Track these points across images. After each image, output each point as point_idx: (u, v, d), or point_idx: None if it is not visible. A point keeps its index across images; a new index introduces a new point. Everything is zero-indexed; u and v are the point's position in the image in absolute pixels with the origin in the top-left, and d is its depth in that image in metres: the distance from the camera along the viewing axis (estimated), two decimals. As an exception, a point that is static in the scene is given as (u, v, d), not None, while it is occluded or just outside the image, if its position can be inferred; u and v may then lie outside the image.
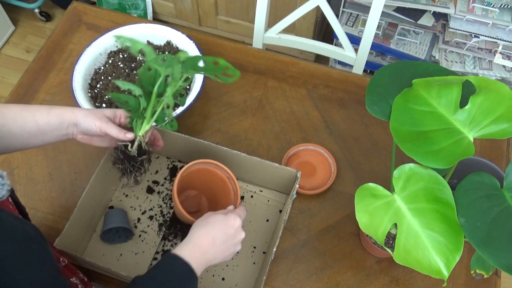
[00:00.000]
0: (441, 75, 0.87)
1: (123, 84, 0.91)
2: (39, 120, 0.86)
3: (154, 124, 0.96)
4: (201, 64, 0.86)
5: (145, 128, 0.90)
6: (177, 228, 1.06)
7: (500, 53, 1.75)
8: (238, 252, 1.04)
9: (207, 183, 1.01)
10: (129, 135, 0.88)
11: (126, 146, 0.90)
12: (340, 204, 1.10)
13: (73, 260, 0.94)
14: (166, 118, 0.96)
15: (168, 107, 0.92)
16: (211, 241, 0.83)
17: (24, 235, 0.64)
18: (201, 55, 0.86)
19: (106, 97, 1.18)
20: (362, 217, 0.81)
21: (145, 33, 1.28)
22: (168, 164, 1.14)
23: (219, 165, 0.97)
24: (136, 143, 0.90)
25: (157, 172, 1.13)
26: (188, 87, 1.22)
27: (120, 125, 0.92)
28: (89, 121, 0.88)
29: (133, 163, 0.91)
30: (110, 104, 1.17)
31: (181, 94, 0.99)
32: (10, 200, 0.78)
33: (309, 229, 1.07)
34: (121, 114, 0.92)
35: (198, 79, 1.18)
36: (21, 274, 0.61)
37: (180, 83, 0.91)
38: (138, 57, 1.25)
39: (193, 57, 0.86)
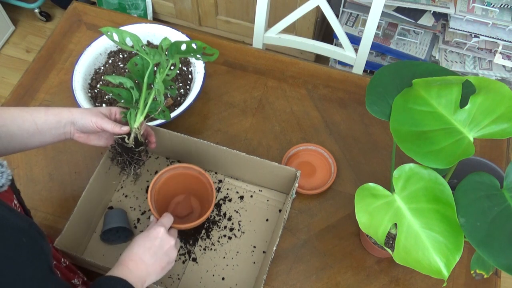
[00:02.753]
0: (441, 75, 0.87)
1: (113, 78, 0.96)
2: (37, 119, 0.88)
3: (147, 123, 1.01)
4: (183, 47, 0.96)
5: (139, 120, 0.94)
6: (177, 228, 1.06)
7: (500, 53, 1.75)
8: (238, 252, 1.04)
9: (187, 184, 1.03)
10: (125, 128, 0.92)
11: (123, 139, 0.93)
12: (340, 204, 1.10)
13: (73, 260, 0.94)
14: (158, 108, 1.00)
15: (159, 94, 0.96)
16: (137, 258, 0.82)
17: (14, 228, 0.63)
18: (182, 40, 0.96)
19: (106, 97, 1.18)
20: (362, 217, 0.81)
21: (145, 33, 1.28)
22: (168, 164, 1.14)
23: (186, 166, 0.99)
24: (132, 135, 0.93)
25: (156, 172, 1.13)
26: (188, 87, 1.22)
27: (116, 121, 0.95)
28: (86, 118, 0.90)
29: (131, 155, 0.94)
30: (110, 104, 1.17)
31: (171, 86, 1.03)
32: (14, 197, 0.78)
33: (309, 229, 1.07)
34: (116, 110, 0.96)
35: (198, 79, 1.18)
36: (7, 266, 0.59)
37: (167, 71, 0.97)
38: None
39: (175, 43, 0.96)
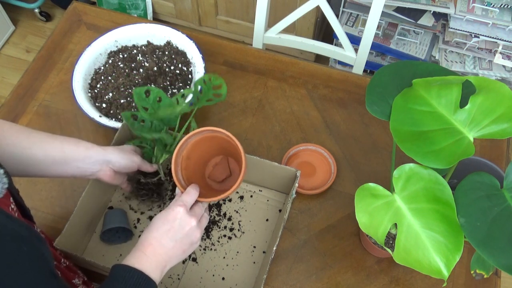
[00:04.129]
0: (441, 75, 0.87)
1: (148, 135, 1.00)
2: (66, 148, 0.87)
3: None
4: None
5: (164, 157, 1.03)
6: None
7: (500, 53, 1.75)
8: (238, 252, 1.04)
9: (220, 146, 0.94)
10: (155, 166, 1.00)
11: (144, 174, 1.03)
12: (340, 204, 1.10)
13: (73, 260, 0.94)
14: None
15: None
16: (155, 243, 0.78)
17: (14, 236, 0.62)
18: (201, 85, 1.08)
19: (106, 97, 1.18)
20: (362, 217, 0.81)
21: (145, 33, 1.28)
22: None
23: (213, 129, 0.88)
24: (161, 171, 1.03)
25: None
26: (188, 87, 1.22)
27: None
28: (126, 158, 0.93)
29: (151, 186, 1.05)
30: (110, 104, 1.17)
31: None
32: (12, 200, 0.77)
33: (309, 229, 1.07)
34: (138, 150, 1.01)
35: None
36: (7, 276, 0.59)
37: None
38: (138, 57, 1.25)
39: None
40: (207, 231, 1.06)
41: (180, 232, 0.80)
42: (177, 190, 0.86)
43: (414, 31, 1.91)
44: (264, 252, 1.05)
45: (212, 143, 0.92)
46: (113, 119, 1.14)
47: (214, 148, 0.95)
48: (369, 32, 1.40)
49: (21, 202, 0.81)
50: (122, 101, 1.17)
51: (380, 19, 1.38)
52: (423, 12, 1.81)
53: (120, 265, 0.75)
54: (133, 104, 1.17)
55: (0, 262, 0.59)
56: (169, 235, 0.79)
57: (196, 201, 0.84)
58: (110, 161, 0.91)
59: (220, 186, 0.97)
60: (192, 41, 1.24)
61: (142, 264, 0.76)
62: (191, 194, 0.83)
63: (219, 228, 1.07)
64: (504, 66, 1.82)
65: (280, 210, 1.09)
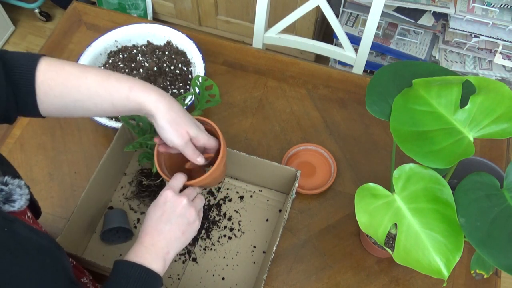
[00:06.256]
0: (441, 75, 0.87)
1: (152, 142, 0.96)
2: (116, 102, 0.76)
3: None
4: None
5: None
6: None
7: (500, 53, 1.75)
8: (238, 252, 1.04)
9: None
10: (200, 160, 0.82)
11: (147, 176, 1.04)
12: (340, 204, 1.10)
13: (73, 260, 0.94)
14: None
15: None
16: (152, 231, 0.77)
17: (39, 249, 0.63)
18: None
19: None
20: (362, 217, 0.81)
21: (145, 33, 1.28)
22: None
23: (201, 119, 0.86)
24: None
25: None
26: (188, 87, 1.22)
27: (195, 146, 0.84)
28: (170, 132, 0.78)
29: (157, 190, 1.04)
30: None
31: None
32: (27, 208, 0.77)
33: (309, 229, 1.07)
34: (201, 138, 0.82)
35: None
36: None
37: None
38: (138, 57, 1.25)
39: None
40: (207, 231, 1.06)
41: (173, 213, 0.78)
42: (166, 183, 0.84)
43: (414, 31, 1.91)
44: (264, 252, 1.05)
45: None
46: (113, 119, 1.14)
47: None
48: (369, 32, 1.40)
49: (33, 199, 0.81)
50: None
51: (380, 19, 1.38)
52: (423, 12, 1.81)
53: (121, 261, 0.75)
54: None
55: (29, 278, 0.59)
56: (163, 219, 0.78)
57: (187, 187, 0.83)
58: (155, 119, 0.78)
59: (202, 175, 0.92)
60: (192, 41, 1.24)
61: (142, 256, 0.75)
62: (177, 178, 0.82)
63: (219, 228, 1.07)
64: (504, 66, 1.82)
65: (280, 210, 1.09)
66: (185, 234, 0.79)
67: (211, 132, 0.87)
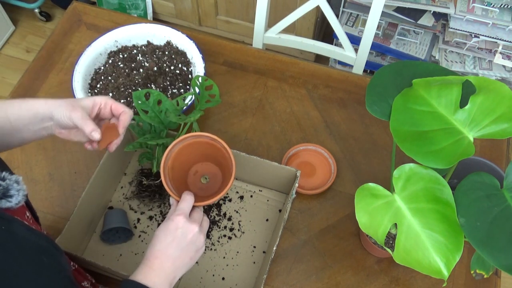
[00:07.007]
0: (441, 75, 0.87)
1: (152, 142, 0.98)
2: (10, 115, 0.77)
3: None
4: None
5: None
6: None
7: (500, 53, 1.75)
8: (238, 252, 1.04)
9: (202, 152, 0.94)
10: (96, 135, 0.78)
11: (146, 178, 1.04)
12: (340, 204, 1.10)
13: (74, 260, 0.94)
14: None
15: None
16: (161, 255, 0.77)
17: (36, 248, 0.63)
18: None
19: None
20: (362, 217, 0.81)
21: (145, 33, 1.28)
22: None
23: (196, 134, 0.89)
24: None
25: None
26: (188, 87, 1.22)
27: (99, 114, 0.83)
28: (61, 112, 0.77)
29: (157, 190, 1.06)
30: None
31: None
32: (25, 205, 0.77)
33: (309, 229, 1.07)
34: (101, 101, 0.81)
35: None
36: None
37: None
38: (138, 57, 1.25)
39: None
40: (207, 231, 1.06)
41: (184, 240, 0.79)
42: (172, 200, 0.86)
43: (414, 31, 1.91)
44: (264, 252, 1.05)
45: (191, 150, 0.92)
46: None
47: (193, 156, 0.95)
48: (369, 32, 1.40)
49: (30, 204, 0.81)
50: (122, 101, 1.17)
51: (380, 19, 1.38)
52: (423, 12, 1.81)
53: (129, 281, 0.75)
54: (133, 105, 1.17)
55: (27, 277, 0.59)
56: (174, 245, 0.78)
57: (193, 207, 0.84)
58: (51, 116, 0.78)
59: (204, 192, 0.96)
60: (192, 41, 1.24)
61: (151, 280, 0.75)
62: (187, 200, 0.82)
63: (219, 228, 1.07)
64: (504, 66, 1.82)
65: (280, 210, 1.09)
66: (192, 259, 0.81)
67: (219, 149, 0.89)
